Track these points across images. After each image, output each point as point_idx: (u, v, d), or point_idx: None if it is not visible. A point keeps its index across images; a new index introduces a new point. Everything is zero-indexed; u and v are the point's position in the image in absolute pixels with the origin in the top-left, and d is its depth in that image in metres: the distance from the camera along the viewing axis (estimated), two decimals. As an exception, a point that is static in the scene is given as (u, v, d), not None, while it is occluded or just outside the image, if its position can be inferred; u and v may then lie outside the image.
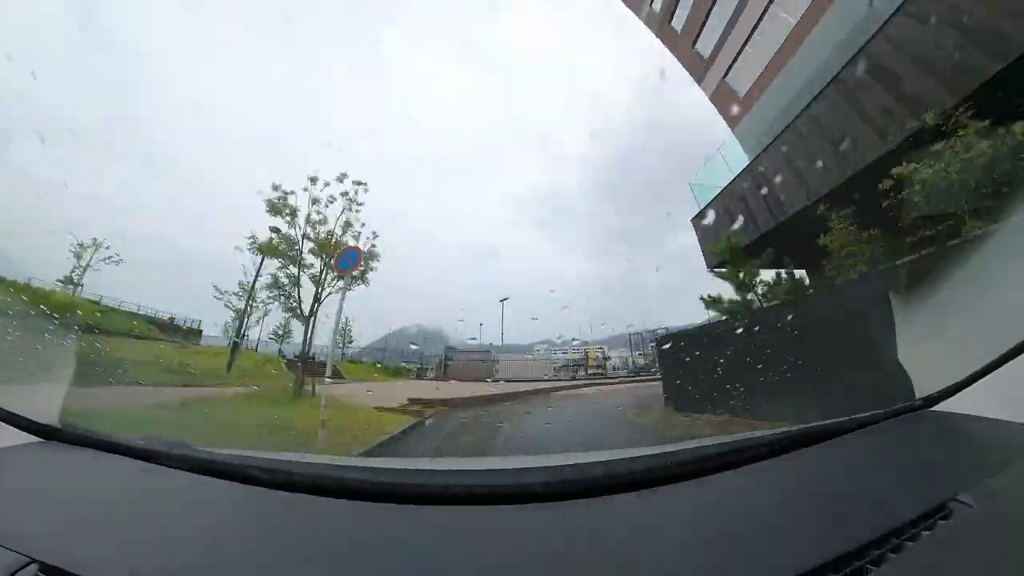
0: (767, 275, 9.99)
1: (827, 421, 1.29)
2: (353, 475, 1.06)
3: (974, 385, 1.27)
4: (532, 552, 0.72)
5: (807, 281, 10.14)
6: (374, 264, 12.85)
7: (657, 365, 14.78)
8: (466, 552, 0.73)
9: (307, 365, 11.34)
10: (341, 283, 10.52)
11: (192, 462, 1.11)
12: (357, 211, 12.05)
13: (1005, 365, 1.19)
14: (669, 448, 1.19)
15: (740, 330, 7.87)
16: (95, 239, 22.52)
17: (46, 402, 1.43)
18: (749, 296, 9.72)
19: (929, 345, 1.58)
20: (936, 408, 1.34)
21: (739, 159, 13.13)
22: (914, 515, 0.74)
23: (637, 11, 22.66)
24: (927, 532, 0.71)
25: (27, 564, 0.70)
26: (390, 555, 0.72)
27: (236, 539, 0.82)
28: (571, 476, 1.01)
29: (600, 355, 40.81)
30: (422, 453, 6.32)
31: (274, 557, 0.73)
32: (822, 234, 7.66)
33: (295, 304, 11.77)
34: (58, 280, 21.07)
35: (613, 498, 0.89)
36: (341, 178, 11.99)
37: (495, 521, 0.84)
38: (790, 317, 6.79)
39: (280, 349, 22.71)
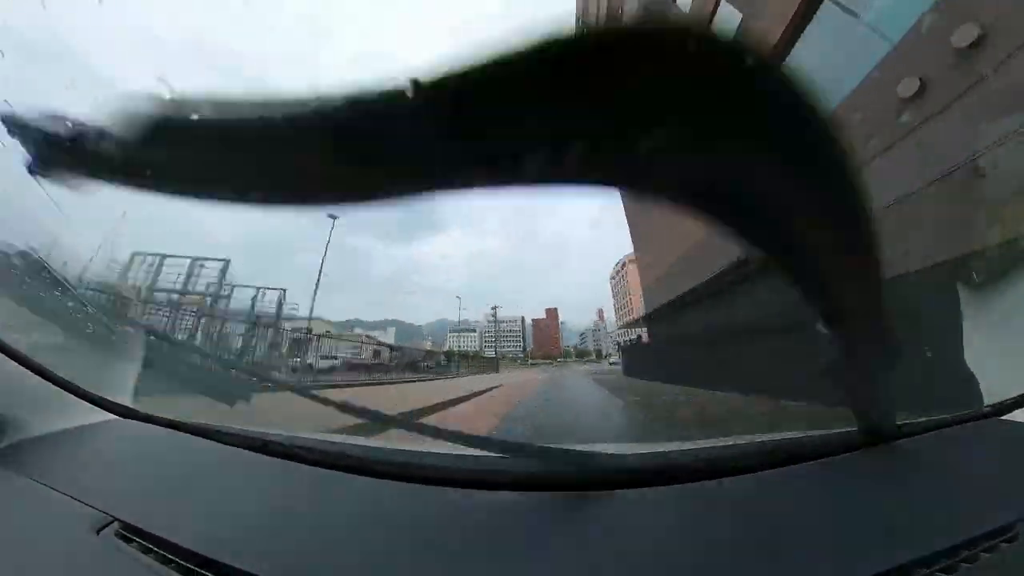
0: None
1: (882, 424, 1.20)
2: (390, 457, 1.11)
3: None
4: (546, 541, 0.73)
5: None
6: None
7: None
8: (475, 534, 0.78)
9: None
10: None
11: (245, 441, 1.23)
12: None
13: None
14: (683, 446, 1.15)
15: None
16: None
17: (122, 383, 1.67)
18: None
19: (1001, 346, 1.42)
20: (1007, 417, 1.23)
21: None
22: (975, 534, 0.69)
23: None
24: (987, 554, 0.66)
25: (110, 522, 0.82)
26: (428, 534, 0.78)
27: (282, 511, 0.91)
28: (604, 465, 1.03)
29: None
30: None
31: (316, 530, 0.80)
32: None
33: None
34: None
35: (649, 491, 0.88)
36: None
37: (511, 507, 0.86)
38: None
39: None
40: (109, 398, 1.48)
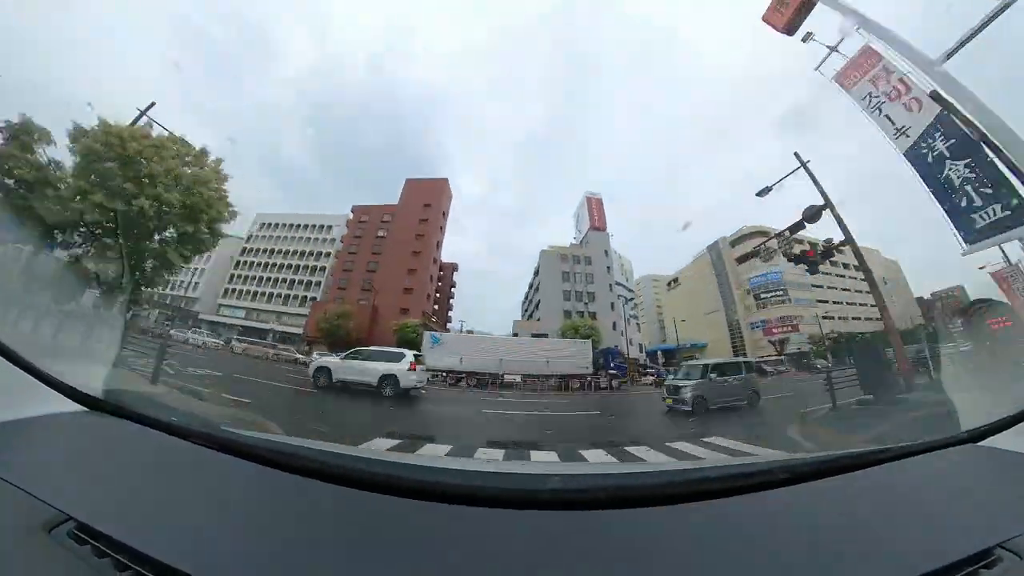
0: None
1: (866, 448, 1.22)
2: (364, 467, 1.07)
3: None
4: (547, 558, 0.71)
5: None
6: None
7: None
8: (466, 551, 0.74)
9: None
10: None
11: (216, 441, 1.16)
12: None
13: None
14: (694, 465, 1.17)
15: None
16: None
17: (91, 374, 1.50)
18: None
19: (976, 377, 1.55)
20: (984, 443, 1.25)
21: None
22: (955, 559, 0.69)
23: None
24: None
25: (65, 520, 0.75)
26: (394, 547, 0.73)
27: (249, 515, 0.87)
28: (603, 485, 1.02)
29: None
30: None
31: (289, 542, 0.75)
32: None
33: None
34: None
35: (648, 510, 0.87)
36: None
37: (499, 523, 0.84)
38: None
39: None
40: (78, 388, 1.36)
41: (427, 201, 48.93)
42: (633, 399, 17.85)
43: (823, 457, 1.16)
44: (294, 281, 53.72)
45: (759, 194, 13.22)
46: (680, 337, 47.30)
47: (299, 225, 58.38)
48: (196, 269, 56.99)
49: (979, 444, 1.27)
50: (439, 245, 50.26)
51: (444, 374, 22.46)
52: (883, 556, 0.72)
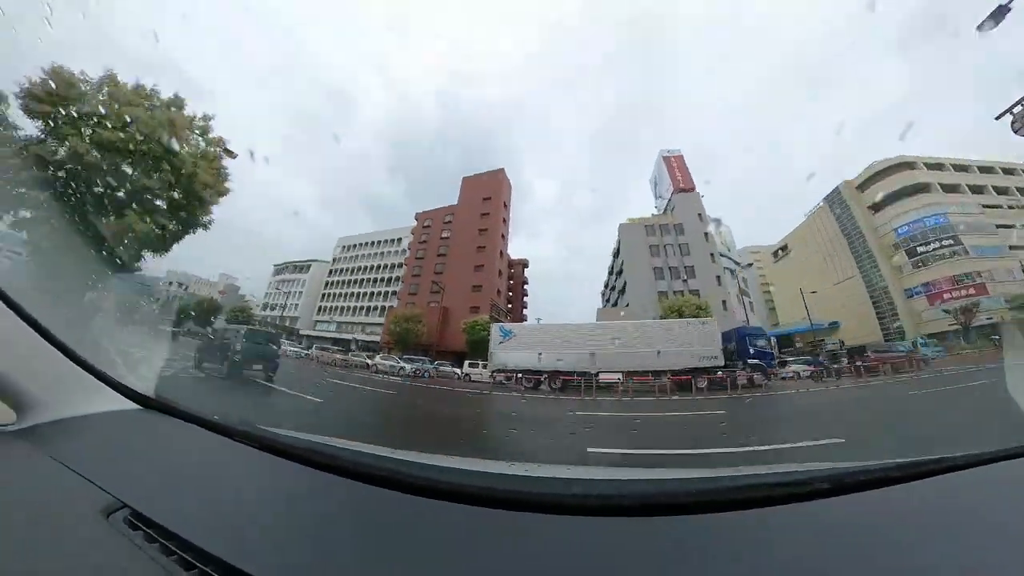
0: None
1: (930, 457, 1.07)
2: (391, 466, 1.10)
3: None
4: (568, 562, 0.71)
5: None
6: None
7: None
8: (489, 554, 0.76)
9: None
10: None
11: (256, 439, 1.27)
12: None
13: None
14: (728, 473, 1.07)
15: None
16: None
17: (146, 374, 1.95)
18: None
19: None
20: None
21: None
22: None
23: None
24: None
25: (120, 507, 0.84)
26: (431, 546, 0.77)
27: (287, 513, 0.93)
28: (616, 491, 1.03)
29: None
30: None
31: (318, 535, 0.79)
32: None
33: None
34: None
35: (697, 517, 0.84)
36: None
37: (509, 524, 0.84)
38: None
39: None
40: (133, 387, 1.53)
41: (486, 195, 47.99)
42: (820, 400, 10.83)
43: (872, 467, 1.03)
44: (374, 293, 57.74)
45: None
46: (799, 316, 36.46)
47: (375, 242, 63.25)
48: (296, 292, 67.26)
49: None
50: (504, 238, 49.23)
51: (519, 375, 18.55)
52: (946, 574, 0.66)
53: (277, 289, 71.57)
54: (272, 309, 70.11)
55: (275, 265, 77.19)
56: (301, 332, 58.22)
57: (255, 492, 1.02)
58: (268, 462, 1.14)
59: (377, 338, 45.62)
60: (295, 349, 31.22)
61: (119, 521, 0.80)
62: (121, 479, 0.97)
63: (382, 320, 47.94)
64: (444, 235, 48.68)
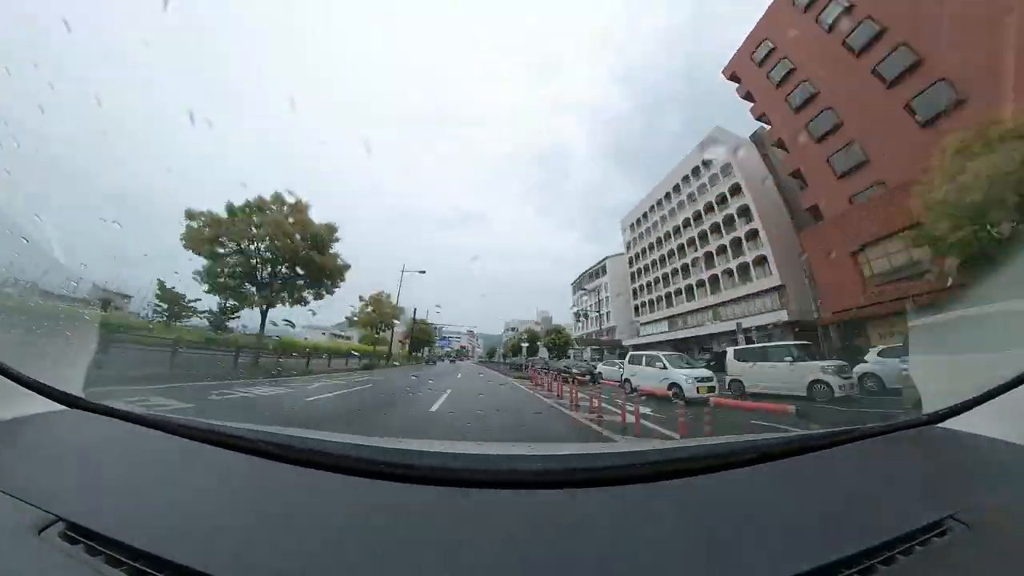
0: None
1: (834, 428, 1.31)
2: (354, 452, 1.07)
3: (983, 405, 1.27)
4: (537, 536, 0.74)
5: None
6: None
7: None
8: (463, 532, 0.75)
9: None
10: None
11: (208, 435, 1.17)
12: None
13: (1018, 388, 1.18)
14: (670, 445, 1.26)
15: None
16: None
17: (70, 372, 1.57)
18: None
19: (940, 362, 1.47)
20: (943, 425, 1.35)
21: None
22: (909, 529, 0.75)
23: None
24: (921, 547, 0.72)
25: (54, 522, 0.75)
26: (383, 531, 0.75)
27: (245, 511, 0.86)
28: (583, 465, 1.10)
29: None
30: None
31: (282, 532, 0.75)
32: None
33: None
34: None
35: (619, 488, 0.92)
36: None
37: (496, 504, 0.87)
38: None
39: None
40: (55, 386, 1.36)
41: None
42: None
43: (789, 438, 1.25)
44: (709, 255, 40.32)
45: None
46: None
47: (667, 194, 48.25)
48: (603, 299, 61.09)
49: (938, 426, 1.34)
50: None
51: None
52: (841, 530, 0.78)
53: (581, 305, 66.78)
54: (585, 327, 64.70)
55: (571, 284, 76.66)
56: (624, 343, 47.58)
57: (209, 491, 0.94)
58: (222, 458, 1.07)
59: (757, 319, 31.79)
60: (611, 368, 19.85)
61: (53, 536, 0.72)
62: (50, 490, 0.87)
63: (748, 289, 33.88)
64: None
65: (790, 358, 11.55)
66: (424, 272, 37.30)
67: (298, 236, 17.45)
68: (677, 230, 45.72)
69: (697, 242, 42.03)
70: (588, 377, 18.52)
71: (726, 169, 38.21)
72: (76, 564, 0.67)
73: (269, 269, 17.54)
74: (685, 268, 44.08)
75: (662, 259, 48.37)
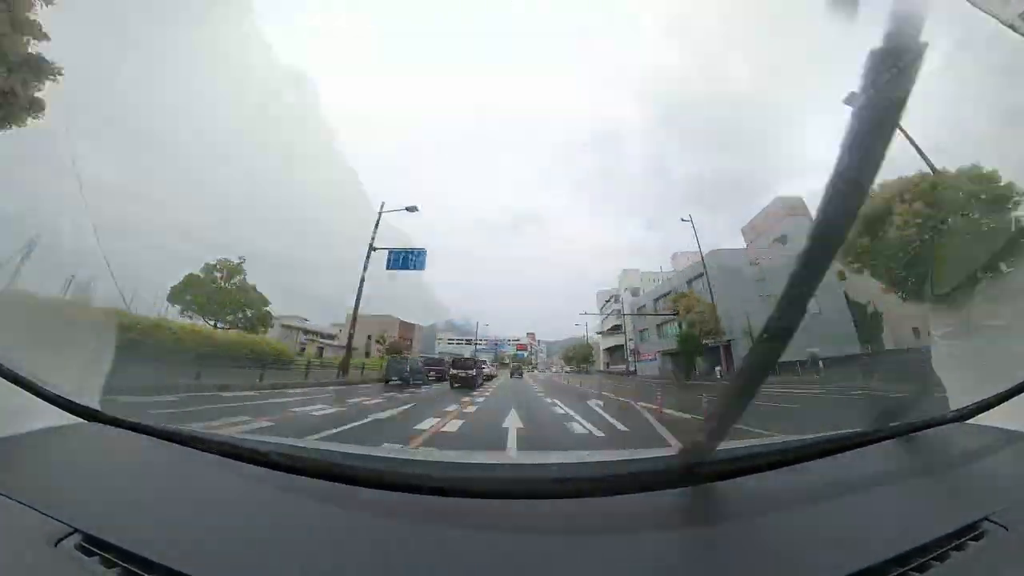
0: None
1: (856, 430, 1.25)
2: (373, 465, 1.08)
3: (1013, 399, 1.22)
4: (539, 545, 0.74)
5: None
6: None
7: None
8: (470, 544, 0.74)
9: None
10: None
11: (224, 447, 1.18)
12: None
13: None
14: (672, 452, 1.15)
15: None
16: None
17: (89, 386, 1.56)
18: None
19: (964, 357, 1.43)
20: (971, 422, 1.30)
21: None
22: (944, 533, 0.71)
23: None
24: (957, 552, 0.69)
25: (70, 533, 0.75)
26: (407, 545, 0.74)
27: (261, 524, 0.85)
28: (590, 474, 1.08)
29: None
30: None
31: (290, 540, 0.76)
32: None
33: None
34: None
35: (631, 497, 0.89)
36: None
37: (498, 513, 0.86)
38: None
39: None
40: (74, 400, 1.37)
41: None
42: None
43: (809, 440, 1.20)
44: None
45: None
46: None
47: None
48: None
49: (967, 422, 1.29)
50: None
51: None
52: (871, 534, 0.75)
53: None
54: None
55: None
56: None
57: (225, 503, 0.94)
58: (238, 470, 1.07)
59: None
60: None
61: (70, 548, 0.72)
62: (67, 502, 0.88)
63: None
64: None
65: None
66: (415, 209, 21.50)
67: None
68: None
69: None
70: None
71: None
72: None
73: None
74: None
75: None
